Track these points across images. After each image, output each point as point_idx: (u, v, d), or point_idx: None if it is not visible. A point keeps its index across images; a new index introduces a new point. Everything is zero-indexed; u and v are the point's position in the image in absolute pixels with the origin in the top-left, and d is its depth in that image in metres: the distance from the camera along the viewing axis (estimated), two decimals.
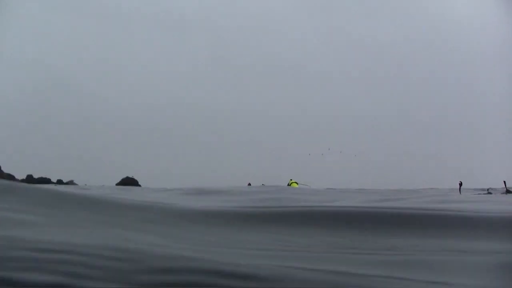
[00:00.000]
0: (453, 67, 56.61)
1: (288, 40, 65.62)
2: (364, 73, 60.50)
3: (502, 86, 47.38)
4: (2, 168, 43.78)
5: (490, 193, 9.34)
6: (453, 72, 55.98)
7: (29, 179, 43.37)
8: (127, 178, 39.47)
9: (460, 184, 10.09)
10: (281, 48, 65.47)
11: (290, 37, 66.70)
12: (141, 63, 65.28)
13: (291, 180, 27.83)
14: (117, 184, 37.48)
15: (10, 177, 42.83)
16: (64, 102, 59.64)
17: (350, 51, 64.64)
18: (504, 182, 13.01)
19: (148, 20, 67.88)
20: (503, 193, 10.38)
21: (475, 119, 50.01)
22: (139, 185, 37.17)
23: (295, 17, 66.62)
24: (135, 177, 40.49)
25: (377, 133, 52.13)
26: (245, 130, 55.80)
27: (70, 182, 42.44)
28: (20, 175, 44.08)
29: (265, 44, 66.92)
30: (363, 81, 60.79)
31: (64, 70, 61.56)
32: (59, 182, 42.46)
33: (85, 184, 36.37)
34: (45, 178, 42.95)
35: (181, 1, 68.60)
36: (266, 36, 67.32)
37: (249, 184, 32.34)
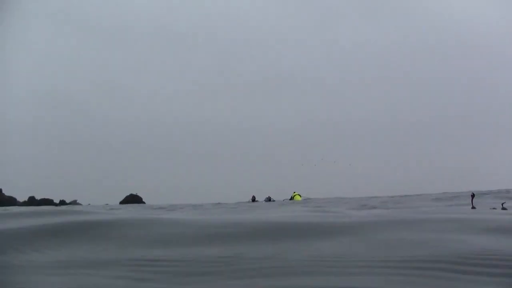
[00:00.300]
0: (455, 68, 56.84)
1: (288, 52, 65.94)
2: (361, 80, 60.72)
3: (505, 87, 47.40)
4: (3, 191, 43.47)
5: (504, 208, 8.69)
6: (455, 74, 56.19)
7: (31, 200, 43.00)
8: (131, 195, 39.11)
9: (473, 196, 9.33)
10: (281, 60, 65.78)
11: (289, 48, 67.05)
12: (143, 81, 65.47)
13: (294, 192, 27.80)
14: (121, 202, 37.12)
15: (11, 199, 42.51)
16: (64, 121, 59.53)
17: (348, 58, 64.93)
18: None
19: (150, 39, 68.29)
20: None
21: (480, 120, 50.10)
22: (144, 202, 36.83)
23: (294, 28, 67.06)
24: (139, 194, 40.15)
25: (376, 140, 52.06)
26: (247, 143, 55.72)
27: (74, 202, 42.05)
28: (22, 197, 43.74)
29: (263, 57, 67.24)
30: (360, 89, 60.99)
31: (67, 89, 61.61)
32: (62, 202, 42.06)
33: (89, 204, 36.00)
34: (48, 199, 42.53)
35: (182, 17, 69.05)
36: (264, 49, 67.67)
37: (254, 197, 32.14)
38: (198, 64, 64.83)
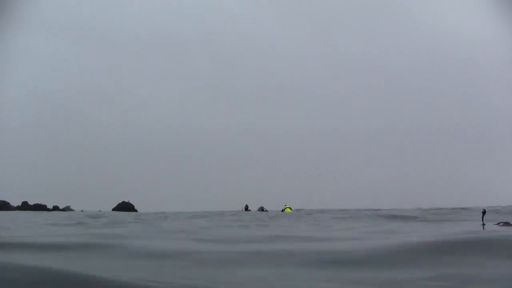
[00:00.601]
0: (451, 81, 57.14)
1: (285, 62, 66.28)
2: (355, 91, 61.12)
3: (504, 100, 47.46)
4: None
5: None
6: (452, 87, 56.47)
7: (24, 205, 43.00)
8: (124, 202, 39.21)
9: (483, 213, 8.62)
10: (278, 70, 66.15)
11: (287, 57, 67.46)
12: (138, 87, 65.74)
13: (285, 205, 28.42)
14: (114, 209, 37.20)
15: (5, 204, 42.52)
16: (59, 127, 59.63)
17: (344, 69, 65.46)
18: None
19: (147, 44, 68.62)
20: None
21: (471, 136, 50.31)
22: (136, 210, 36.91)
23: (292, 38, 67.56)
24: (131, 202, 40.24)
25: (369, 151, 52.23)
26: (242, 152, 55.87)
27: (67, 208, 42.08)
28: (15, 201, 43.71)
29: (261, 66, 67.66)
30: (356, 100, 61.40)
31: (61, 94, 61.78)
32: (55, 208, 42.08)
33: (82, 210, 36.10)
34: (41, 205, 42.55)
35: (180, 24, 69.51)
36: (262, 58, 68.08)
37: (247, 206, 32.38)
38: (195, 71, 65.28)
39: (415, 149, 51.47)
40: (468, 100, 53.69)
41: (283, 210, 27.44)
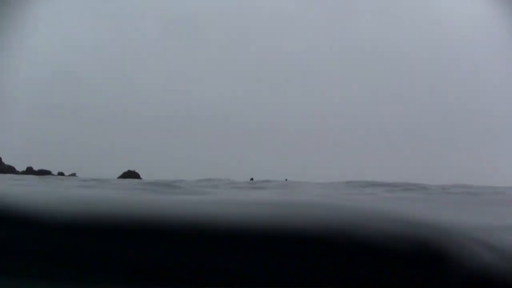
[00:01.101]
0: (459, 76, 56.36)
1: (297, 42, 65.06)
2: (366, 78, 60.34)
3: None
4: (2, 160, 43.78)
5: None
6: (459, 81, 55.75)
7: (29, 171, 43.32)
8: (129, 171, 39.41)
9: None
10: (287, 47, 65.17)
11: (299, 39, 66.24)
12: (148, 59, 64.96)
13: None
14: (119, 177, 37.45)
15: (11, 169, 42.87)
16: (65, 94, 59.23)
17: (356, 54, 64.46)
18: None
19: (156, 21, 67.51)
20: None
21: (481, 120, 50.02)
22: (141, 179, 37.16)
23: (305, 20, 66.14)
24: (137, 170, 40.46)
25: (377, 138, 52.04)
26: (247, 126, 55.87)
27: (72, 175, 42.32)
28: (21, 167, 44.02)
29: (270, 44, 66.73)
30: (362, 85, 60.80)
31: (68, 61, 61.03)
32: (61, 174, 42.33)
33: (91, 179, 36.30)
34: (46, 170, 42.79)
35: (191, 3, 68.10)
36: (271, 36, 67.01)
37: (252, 179, 32.77)
38: (207, 45, 64.49)
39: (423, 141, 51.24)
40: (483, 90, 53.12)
41: None
